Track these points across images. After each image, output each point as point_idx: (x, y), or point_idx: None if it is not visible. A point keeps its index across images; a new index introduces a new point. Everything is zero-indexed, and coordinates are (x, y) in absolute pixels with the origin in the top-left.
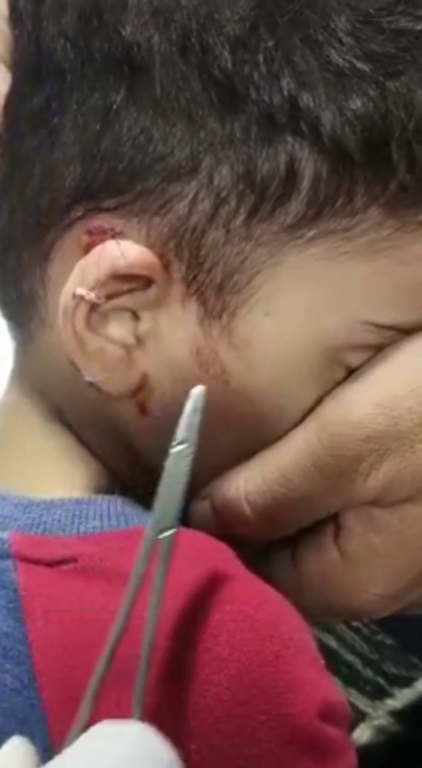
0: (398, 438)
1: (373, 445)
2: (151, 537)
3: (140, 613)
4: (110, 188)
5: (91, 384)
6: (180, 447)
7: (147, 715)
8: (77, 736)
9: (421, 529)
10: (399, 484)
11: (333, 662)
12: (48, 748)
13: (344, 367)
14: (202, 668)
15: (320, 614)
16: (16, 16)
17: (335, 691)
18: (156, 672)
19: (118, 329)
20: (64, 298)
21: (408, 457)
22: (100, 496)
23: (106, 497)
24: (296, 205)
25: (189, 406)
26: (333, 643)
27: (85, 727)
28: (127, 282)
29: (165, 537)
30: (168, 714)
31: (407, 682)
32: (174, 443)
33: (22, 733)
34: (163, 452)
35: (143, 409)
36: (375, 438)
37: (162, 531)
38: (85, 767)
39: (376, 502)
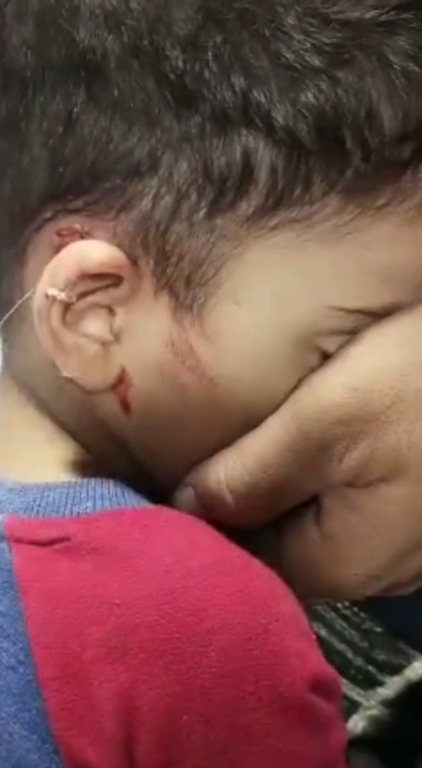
0: (370, 420)
1: (346, 427)
2: None
3: None
4: (76, 189)
5: (70, 380)
6: None
7: (138, 688)
8: None
9: (397, 509)
10: (373, 465)
11: (324, 651)
12: (44, 723)
13: (318, 353)
14: (192, 642)
15: (303, 595)
16: None
17: (325, 664)
18: (146, 646)
19: (94, 325)
20: (38, 298)
21: (381, 438)
22: (92, 479)
23: (99, 480)
24: (255, 196)
25: None
26: (323, 632)
27: None
28: (98, 280)
29: None
30: (159, 686)
31: (396, 670)
32: None
33: (18, 708)
34: (148, 449)
35: (125, 406)
36: (348, 420)
37: None
38: None
39: (352, 482)
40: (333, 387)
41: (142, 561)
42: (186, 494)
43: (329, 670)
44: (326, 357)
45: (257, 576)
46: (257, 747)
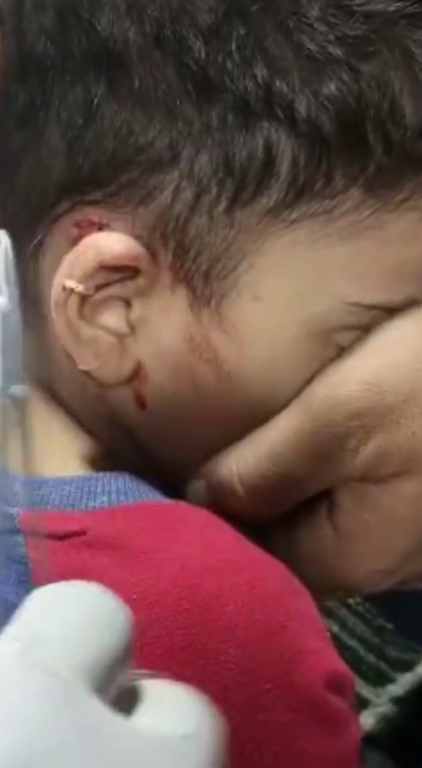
0: (384, 414)
1: (360, 421)
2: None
3: None
4: (95, 181)
5: (86, 373)
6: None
7: None
8: None
9: (411, 504)
10: (387, 460)
11: (336, 647)
12: None
13: (334, 348)
14: (210, 638)
15: (315, 590)
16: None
17: (340, 662)
18: (163, 641)
19: (111, 318)
20: (55, 290)
21: (395, 433)
22: (108, 473)
23: (114, 474)
24: (276, 190)
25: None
26: (334, 628)
27: None
28: (115, 272)
29: (18, 394)
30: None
31: (408, 666)
32: None
33: None
34: (161, 442)
35: (141, 402)
36: (362, 414)
37: (12, 390)
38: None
39: (366, 478)
40: (348, 381)
41: (158, 556)
42: (198, 486)
43: (344, 668)
44: (341, 352)
45: (274, 573)
46: (275, 744)
